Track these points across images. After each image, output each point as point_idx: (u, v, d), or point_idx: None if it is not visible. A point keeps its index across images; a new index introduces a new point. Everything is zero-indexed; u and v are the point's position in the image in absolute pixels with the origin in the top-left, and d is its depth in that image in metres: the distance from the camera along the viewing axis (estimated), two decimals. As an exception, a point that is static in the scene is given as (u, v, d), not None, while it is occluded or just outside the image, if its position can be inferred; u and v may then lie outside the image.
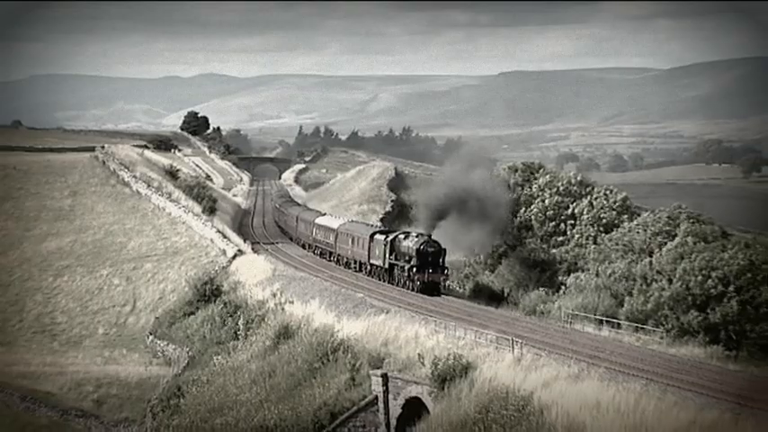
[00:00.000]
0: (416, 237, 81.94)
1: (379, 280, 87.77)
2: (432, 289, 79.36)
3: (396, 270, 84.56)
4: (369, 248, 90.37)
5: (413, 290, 79.79)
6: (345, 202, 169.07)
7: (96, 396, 79.61)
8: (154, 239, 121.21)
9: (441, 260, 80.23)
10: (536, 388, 50.15)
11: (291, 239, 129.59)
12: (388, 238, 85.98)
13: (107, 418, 70.88)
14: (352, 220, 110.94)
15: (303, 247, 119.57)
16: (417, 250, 79.95)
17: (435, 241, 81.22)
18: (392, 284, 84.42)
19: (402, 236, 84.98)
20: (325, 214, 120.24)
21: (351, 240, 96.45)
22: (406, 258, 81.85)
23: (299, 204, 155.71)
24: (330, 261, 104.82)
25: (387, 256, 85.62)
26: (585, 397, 47.52)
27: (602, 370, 50.65)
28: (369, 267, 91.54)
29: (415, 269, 79.79)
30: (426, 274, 79.31)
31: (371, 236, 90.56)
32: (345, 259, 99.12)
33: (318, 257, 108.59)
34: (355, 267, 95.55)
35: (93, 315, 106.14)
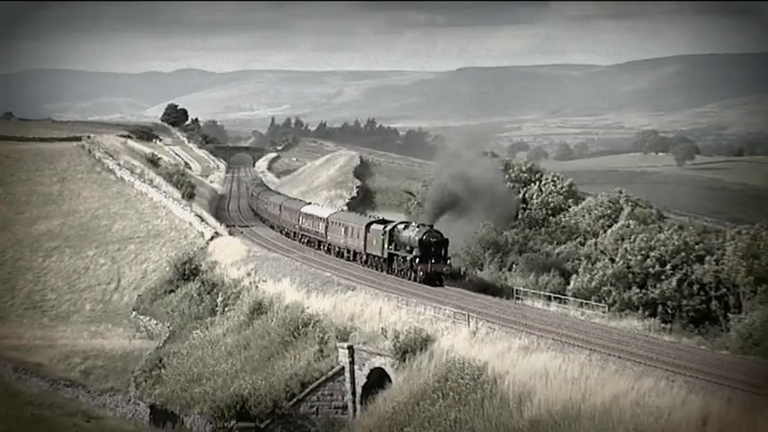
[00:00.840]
0: (417, 227, 75.81)
1: (377, 270, 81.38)
2: (434, 279, 73.49)
3: (396, 260, 78.28)
4: (365, 238, 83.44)
5: (415, 280, 73.83)
6: (314, 188, 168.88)
7: (83, 367, 79.43)
8: (137, 222, 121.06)
9: (443, 250, 74.26)
10: (490, 359, 50.30)
11: (272, 227, 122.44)
12: (387, 228, 79.48)
13: (93, 387, 70.56)
14: (342, 210, 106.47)
15: (287, 235, 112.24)
16: (420, 240, 73.55)
17: (438, 231, 75.39)
18: (391, 274, 78.50)
19: (401, 226, 78.57)
20: (310, 203, 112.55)
21: (344, 230, 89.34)
22: (408, 248, 75.57)
23: (279, 193, 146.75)
24: (318, 249, 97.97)
25: (385, 246, 79.23)
26: (535, 366, 47.72)
27: (551, 342, 50.89)
28: (365, 257, 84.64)
29: (417, 259, 73.54)
30: (429, 265, 73.17)
31: (368, 226, 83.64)
32: (337, 248, 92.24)
33: (299, 243, 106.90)
34: (349, 257, 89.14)
35: (80, 292, 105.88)
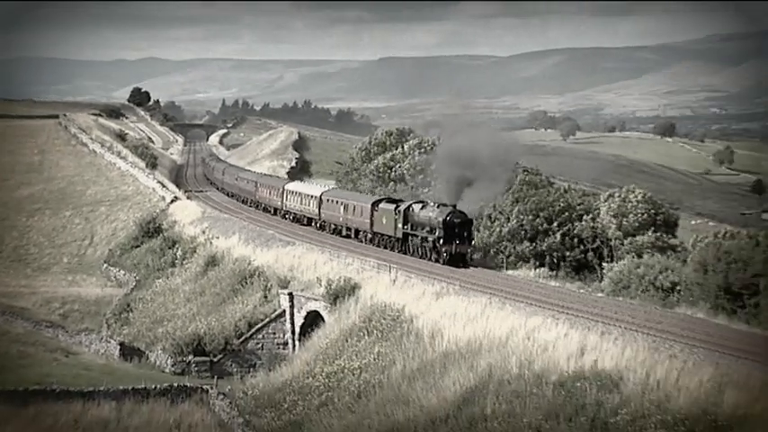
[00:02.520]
0: (438, 207, 63.33)
1: (388, 249, 68.88)
2: (459, 260, 61.69)
3: (411, 240, 66.32)
4: (371, 217, 71.05)
5: (437, 261, 62.03)
6: (259, 158, 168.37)
7: (62, 311, 78.92)
8: (107, 188, 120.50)
9: (468, 231, 62.81)
10: (407, 302, 50.59)
11: (245, 201, 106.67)
12: (401, 208, 67.24)
13: (71, 328, 70.12)
14: (334, 188, 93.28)
15: (265, 210, 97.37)
16: (444, 221, 61.40)
17: (462, 212, 63.49)
18: (405, 254, 66.40)
19: (418, 206, 66.33)
20: (293, 181, 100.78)
21: (344, 208, 76.62)
22: (428, 229, 63.44)
23: (248, 170, 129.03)
24: (308, 226, 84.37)
25: (399, 225, 67.00)
26: (445, 308, 48.09)
27: (458, 288, 51.27)
28: (370, 235, 72.26)
29: (441, 240, 61.51)
30: (454, 246, 61.38)
31: (375, 204, 71.43)
32: (333, 226, 79.09)
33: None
34: (348, 234, 76.15)
35: (58, 247, 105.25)
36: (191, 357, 59.75)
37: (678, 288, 61.31)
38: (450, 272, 58.17)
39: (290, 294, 61.17)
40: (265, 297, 63.57)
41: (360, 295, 54.22)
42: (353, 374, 47.11)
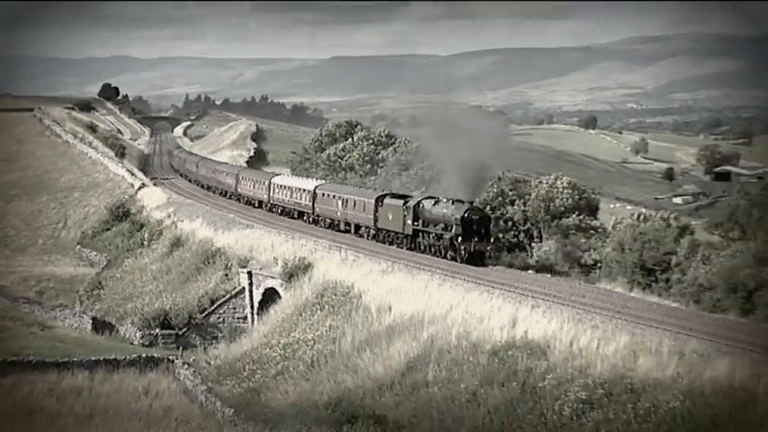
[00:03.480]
0: (453, 203, 55.62)
1: (395, 246, 61.18)
2: (477, 258, 54.17)
3: (423, 237, 58.33)
4: (375, 212, 63.42)
5: (454, 259, 54.27)
6: (221, 148, 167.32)
7: (38, 288, 78.11)
8: (79, 175, 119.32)
9: (486, 228, 55.18)
10: (356, 279, 50.60)
11: (224, 194, 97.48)
12: (409, 204, 59.40)
13: (46, 304, 69.33)
14: (328, 182, 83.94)
15: (248, 203, 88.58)
16: (463, 218, 53.98)
17: (480, 208, 57.38)
18: (415, 251, 58.41)
19: (429, 202, 58.33)
20: (279, 174, 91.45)
21: (342, 203, 68.64)
22: (443, 226, 55.78)
23: (227, 163, 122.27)
24: (296, 219, 76.29)
25: (407, 221, 59.17)
26: (391, 285, 48.14)
27: (402, 266, 51.40)
28: (373, 231, 64.39)
29: (460, 238, 53.95)
30: (472, 244, 53.86)
31: (379, 199, 63.62)
32: (330, 220, 70.89)
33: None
34: (347, 229, 68.27)
35: (35, 230, 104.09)
36: (158, 330, 59.42)
37: (599, 265, 62.18)
38: (395, 253, 58.27)
39: (249, 273, 60.93)
40: (226, 275, 63.30)
41: (313, 273, 54.11)
42: (307, 345, 47.10)
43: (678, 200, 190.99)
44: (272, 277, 58.10)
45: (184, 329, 59.94)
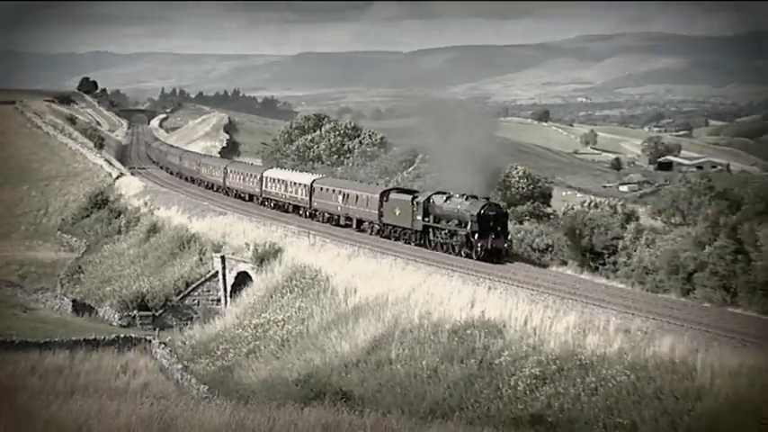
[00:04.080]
0: (466, 199, 50.68)
1: (401, 241, 55.96)
2: (494, 255, 49.06)
3: (434, 233, 53.22)
4: (380, 207, 58.11)
5: (469, 256, 49.52)
6: (194, 139, 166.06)
7: (21, 272, 77.19)
8: (60, 165, 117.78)
9: (503, 225, 50.26)
10: (324, 263, 50.59)
11: (210, 188, 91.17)
12: (419, 199, 54.25)
13: (28, 287, 68.64)
14: (325, 176, 77.89)
15: (237, 197, 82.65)
16: (479, 214, 49.21)
17: (497, 204, 52.79)
18: (425, 247, 53.48)
19: (440, 197, 53.19)
20: (270, 168, 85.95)
21: (344, 197, 63.29)
22: (457, 222, 51.02)
23: (214, 156, 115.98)
24: (289, 213, 70.79)
25: (417, 217, 54.06)
26: (357, 268, 48.19)
27: (368, 250, 51.40)
28: (377, 227, 58.93)
29: (477, 235, 49.09)
30: (489, 241, 48.99)
31: (384, 194, 58.60)
32: (329, 215, 65.56)
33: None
34: (348, 224, 63.04)
35: (17, 217, 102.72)
36: (135, 312, 59.05)
37: (551, 249, 62.47)
38: (361, 238, 58.19)
39: (223, 257, 60.66)
40: (201, 260, 62.98)
41: (283, 258, 54.01)
42: (277, 326, 47.03)
43: (624, 188, 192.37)
44: (244, 261, 57.88)
45: (161, 311, 59.60)
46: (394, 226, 56.92)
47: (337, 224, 64.14)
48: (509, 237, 50.78)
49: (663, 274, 54.98)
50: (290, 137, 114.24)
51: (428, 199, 53.60)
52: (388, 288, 43.56)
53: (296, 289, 49.68)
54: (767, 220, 51.38)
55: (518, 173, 76.79)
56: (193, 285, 60.85)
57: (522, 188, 74.02)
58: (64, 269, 76.55)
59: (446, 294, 40.42)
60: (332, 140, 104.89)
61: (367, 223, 60.61)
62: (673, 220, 69.12)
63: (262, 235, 59.68)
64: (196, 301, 60.52)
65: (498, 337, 35.64)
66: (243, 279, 57.55)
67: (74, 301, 63.01)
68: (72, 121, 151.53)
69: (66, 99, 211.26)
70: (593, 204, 69.12)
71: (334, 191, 65.39)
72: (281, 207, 72.80)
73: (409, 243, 54.63)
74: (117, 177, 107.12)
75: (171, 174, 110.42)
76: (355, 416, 17.39)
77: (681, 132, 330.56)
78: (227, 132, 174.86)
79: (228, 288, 59.54)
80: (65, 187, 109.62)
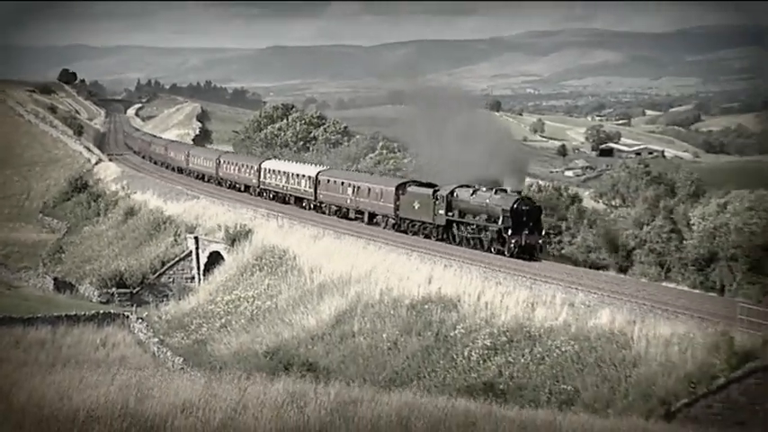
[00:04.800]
0: (496, 193, 45.24)
1: (420, 236, 50.00)
2: (528, 252, 43.51)
3: (459, 228, 47.42)
4: (396, 201, 52.20)
5: (500, 253, 43.82)
6: (169, 128, 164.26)
7: (5, 252, 75.95)
8: (41, 152, 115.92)
9: (537, 220, 44.74)
10: (291, 243, 50.45)
11: (201, 178, 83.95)
12: (442, 193, 48.25)
13: (12, 266, 67.79)
14: (329, 168, 69.39)
15: (232, 187, 76.43)
16: (512, 209, 43.57)
17: (529, 198, 47.47)
18: (450, 243, 47.57)
19: (465, 190, 47.31)
20: (269, 159, 77.94)
21: (355, 190, 57.01)
22: (486, 217, 45.29)
23: (203, 147, 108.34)
24: (287, 204, 65.36)
25: (440, 211, 48.12)
26: (323, 248, 48.12)
27: (331, 232, 51.31)
28: (393, 221, 53.06)
29: (510, 231, 43.58)
30: (523, 237, 43.43)
31: (400, 187, 52.42)
32: (335, 208, 59.63)
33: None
34: (358, 218, 56.91)
35: (1, 200, 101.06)
36: (114, 289, 58.53)
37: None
38: (328, 221, 58.02)
39: (196, 238, 60.26)
40: (175, 240, 62.52)
41: (253, 238, 53.76)
42: (248, 302, 46.88)
43: (569, 173, 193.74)
44: (216, 242, 57.55)
45: (138, 288, 59.14)
46: (412, 220, 51.03)
47: (344, 217, 58.29)
48: (543, 233, 45.84)
49: (604, 252, 55.60)
50: (259, 125, 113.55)
51: (452, 192, 47.71)
52: (351, 266, 43.56)
53: (265, 268, 49.51)
54: (698, 202, 52.03)
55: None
56: (169, 264, 60.42)
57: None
58: (46, 249, 75.61)
59: (405, 272, 40.52)
60: (298, 128, 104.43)
61: (381, 217, 54.72)
62: (613, 203, 69.77)
63: (233, 217, 59.34)
64: (171, 279, 60.11)
65: (453, 311, 35.83)
66: (215, 258, 57.23)
67: (55, 279, 62.39)
68: (53, 110, 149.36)
69: (46, 89, 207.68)
70: (540, 188, 69.60)
71: (342, 183, 58.94)
72: (281, 199, 67.08)
73: (429, 238, 48.88)
74: (96, 163, 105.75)
75: (155, 164, 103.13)
76: (321, 385, 17.37)
77: (620, 121, 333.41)
78: (199, 121, 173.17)
79: (202, 267, 59.18)
80: (46, 172, 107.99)
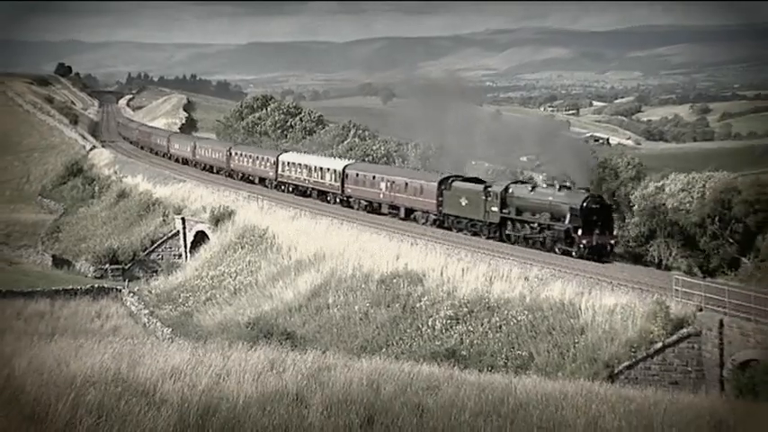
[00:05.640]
0: (560, 189, 39.61)
1: (465, 233, 43.72)
2: (599, 254, 37.46)
3: (513, 226, 41.19)
4: (438, 197, 45.61)
5: (568, 254, 37.77)
6: (157, 117, 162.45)
7: (6, 231, 74.96)
8: (39, 139, 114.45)
9: (607, 219, 38.71)
10: (271, 223, 50.30)
11: (209, 170, 76.10)
12: (494, 189, 42.12)
13: (13, 244, 67.03)
14: (356, 161, 62.26)
15: (245, 180, 68.54)
16: (582, 208, 37.75)
17: (599, 195, 41.02)
18: (505, 242, 41.29)
19: (521, 186, 42.12)
20: (288, 151, 69.68)
21: (389, 185, 50.12)
22: (550, 215, 39.28)
23: (211, 138, 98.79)
24: (309, 197, 58.57)
25: (492, 208, 41.72)
26: (299, 228, 48.05)
27: (308, 213, 51.20)
28: (434, 217, 46.31)
29: (580, 231, 37.57)
30: (594, 237, 37.47)
31: (443, 182, 45.79)
32: (365, 202, 52.75)
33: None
34: (392, 213, 49.91)
35: (2, 183, 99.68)
36: (107, 266, 58.10)
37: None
38: (305, 202, 57.77)
39: (183, 219, 59.85)
40: (164, 221, 62.09)
41: (235, 219, 53.51)
42: (231, 277, 46.71)
43: (524, 158, 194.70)
44: (201, 222, 57.18)
45: (129, 265, 58.70)
46: (458, 217, 44.55)
47: (374, 212, 51.55)
48: (614, 233, 40.10)
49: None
50: (241, 115, 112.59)
51: (506, 189, 41.72)
52: (325, 244, 43.54)
53: (246, 246, 49.33)
54: (638, 185, 52.41)
55: (435, 144, 77.29)
56: (158, 242, 60.03)
57: (439, 157, 74.38)
58: (44, 229, 74.76)
59: (375, 249, 40.58)
60: (276, 118, 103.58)
61: (420, 213, 47.69)
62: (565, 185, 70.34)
63: (217, 199, 58.98)
64: (160, 256, 59.72)
65: (419, 285, 35.96)
66: (201, 237, 56.90)
67: (53, 256, 61.88)
68: (49, 100, 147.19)
69: (44, 81, 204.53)
70: (496, 173, 69.95)
71: (374, 177, 52.10)
72: (301, 192, 60.61)
73: (479, 236, 42.54)
74: (90, 149, 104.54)
75: (156, 154, 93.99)
76: (298, 353, 17.39)
77: (570, 111, 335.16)
78: (185, 111, 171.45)
79: (188, 245, 58.82)
80: (44, 158, 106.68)
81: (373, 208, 52.20)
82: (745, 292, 28.54)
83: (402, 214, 48.93)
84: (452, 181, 45.66)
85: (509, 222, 41.45)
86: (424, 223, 46.75)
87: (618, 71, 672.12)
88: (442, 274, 35.92)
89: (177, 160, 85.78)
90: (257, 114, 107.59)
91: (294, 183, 61.75)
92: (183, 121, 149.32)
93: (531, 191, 40.92)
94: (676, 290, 29.38)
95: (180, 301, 46.28)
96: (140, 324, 41.48)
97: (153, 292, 49.07)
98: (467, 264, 36.11)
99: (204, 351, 16.19)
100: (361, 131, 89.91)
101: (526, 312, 30.97)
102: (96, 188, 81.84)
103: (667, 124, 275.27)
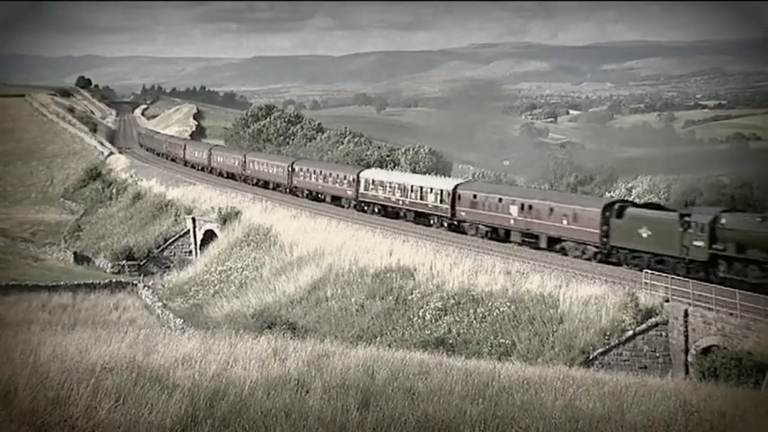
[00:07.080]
0: None
1: (664, 268, 30.90)
2: None
3: (729, 267, 29.06)
4: (603, 225, 34.54)
5: None
6: (170, 125, 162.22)
7: (32, 230, 75.10)
8: (62, 146, 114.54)
9: None
10: (274, 222, 50.25)
11: (265, 185, 64.77)
12: (699, 220, 30.05)
13: (38, 242, 66.90)
14: (469, 181, 51.10)
15: (314, 199, 57.26)
16: None
17: None
18: (715, 284, 27.92)
19: (739, 215, 29.92)
20: (368, 168, 58.75)
21: (522, 208, 39.02)
22: None
23: (269, 153, 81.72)
24: (425, 224, 46.19)
25: (695, 243, 30.04)
26: (299, 226, 48.00)
27: (307, 213, 51.13)
28: (599, 250, 34.93)
29: None
30: None
31: (608, 208, 34.92)
32: (486, 228, 41.47)
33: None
34: (526, 241, 38.84)
35: (27, 187, 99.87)
36: (124, 262, 58.00)
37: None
38: (302, 202, 57.64)
39: (193, 218, 59.77)
40: (176, 220, 62.02)
41: (241, 218, 53.46)
42: (237, 272, 46.64)
43: (506, 162, 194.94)
44: (210, 221, 57.09)
45: (144, 261, 58.60)
46: (634, 251, 33.00)
47: (494, 238, 40.84)
48: None
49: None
50: (246, 123, 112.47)
51: (715, 219, 29.71)
52: (324, 241, 43.52)
53: (252, 243, 49.27)
54: (610, 187, 52.55)
55: (424, 150, 77.25)
56: (170, 240, 59.95)
57: (428, 162, 74.36)
58: (66, 228, 74.80)
59: (370, 246, 40.58)
60: (279, 126, 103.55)
61: (572, 243, 36.42)
62: (543, 187, 70.43)
63: (224, 200, 58.93)
64: (173, 253, 59.63)
65: (410, 279, 35.97)
66: (210, 235, 56.82)
67: (75, 253, 61.79)
68: (71, 110, 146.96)
69: (66, 93, 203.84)
70: (481, 175, 69.89)
71: (501, 200, 40.70)
72: (381, 211, 50.29)
73: (672, 274, 29.61)
74: (108, 155, 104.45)
75: (173, 161, 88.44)
76: (299, 341, 17.39)
77: (548, 119, 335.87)
78: (195, 119, 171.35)
79: (198, 242, 58.74)
80: (66, 163, 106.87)
81: (497, 234, 40.96)
82: (707, 284, 28.62)
83: (543, 244, 37.88)
84: (622, 207, 34.60)
85: (727, 261, 29.29)
86: (581, 257, 35.77)
87: (592, 83, 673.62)
88: (431, 268, 35.95)
89: (221, 174, 74.05)
90: (261, 122, 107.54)
91: (383, 203, 50.15)
92: (194, 129, 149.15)
93: (762, 222, 28.56)
94: (645, 283, 29.45)
95: (191, 294, 46.20)
96: (154, 315, 41.39)
97: (166, 286, 49.00)
98: (454, 259, 36.15)
99: (213, 340, 16.17)
100: (357, 137, 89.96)
101: (509, 304, 31.01)
102: (114, 191, 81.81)
103: (637, 131, 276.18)
